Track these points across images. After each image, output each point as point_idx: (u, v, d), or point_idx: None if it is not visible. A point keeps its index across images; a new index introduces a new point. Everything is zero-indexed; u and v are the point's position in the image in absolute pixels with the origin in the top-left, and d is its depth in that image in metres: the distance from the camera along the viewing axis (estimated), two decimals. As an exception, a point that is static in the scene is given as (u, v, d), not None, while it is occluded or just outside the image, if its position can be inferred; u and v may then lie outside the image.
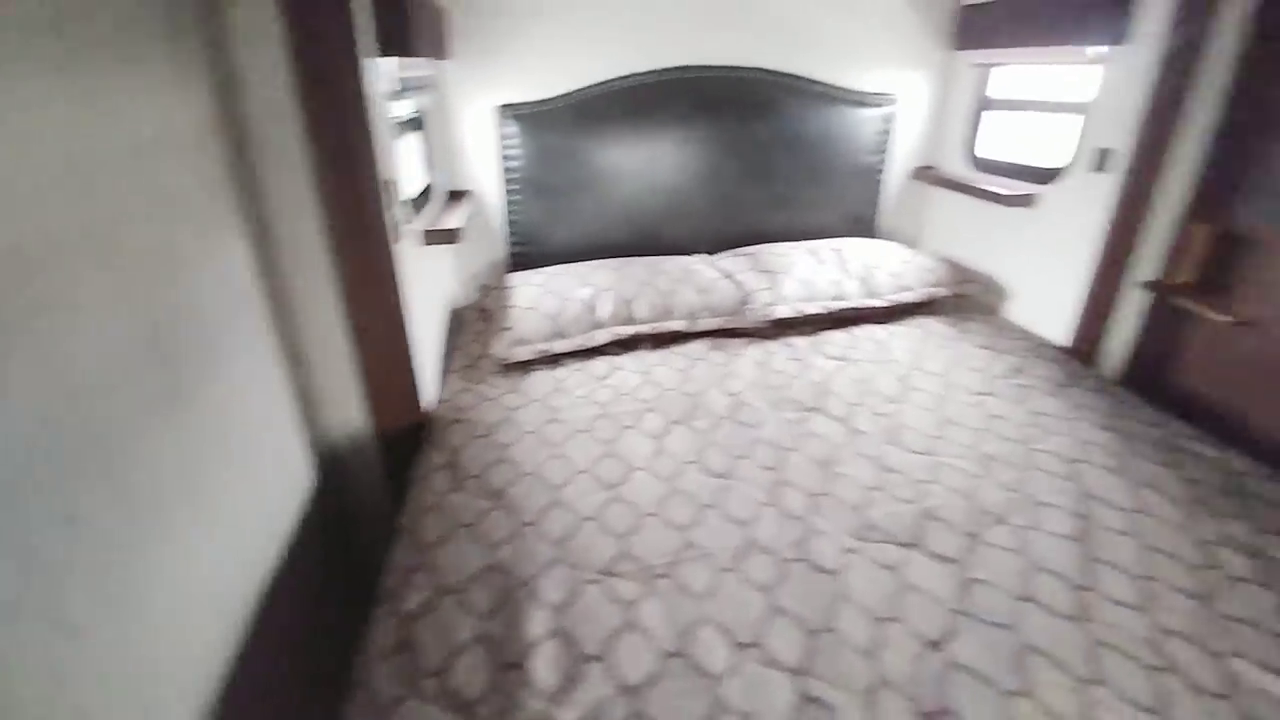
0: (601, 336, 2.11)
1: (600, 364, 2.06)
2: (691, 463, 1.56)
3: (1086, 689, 1.02)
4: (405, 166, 2.03)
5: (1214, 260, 2.00)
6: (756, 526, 1.36)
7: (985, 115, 2.52)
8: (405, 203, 1.80)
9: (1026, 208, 2.29)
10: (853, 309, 2.28)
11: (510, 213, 2.47)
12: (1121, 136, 1.93)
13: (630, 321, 2.14)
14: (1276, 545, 1.30)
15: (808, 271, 2.30)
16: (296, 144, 1.35)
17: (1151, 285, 2.11)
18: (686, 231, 2.57)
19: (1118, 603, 1.18)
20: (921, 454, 1.59)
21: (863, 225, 2.75)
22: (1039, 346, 2.13)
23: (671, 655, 1.08)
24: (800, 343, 2.17)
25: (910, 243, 2.81)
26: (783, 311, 2.20)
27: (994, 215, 2.41)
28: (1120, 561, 1.26)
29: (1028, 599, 1.18)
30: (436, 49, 2.08)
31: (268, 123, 1.33)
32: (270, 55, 1.28)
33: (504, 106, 2.32)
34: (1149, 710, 0.99)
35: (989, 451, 1.60)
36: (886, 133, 2.63)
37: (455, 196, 2.41)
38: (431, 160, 2.27)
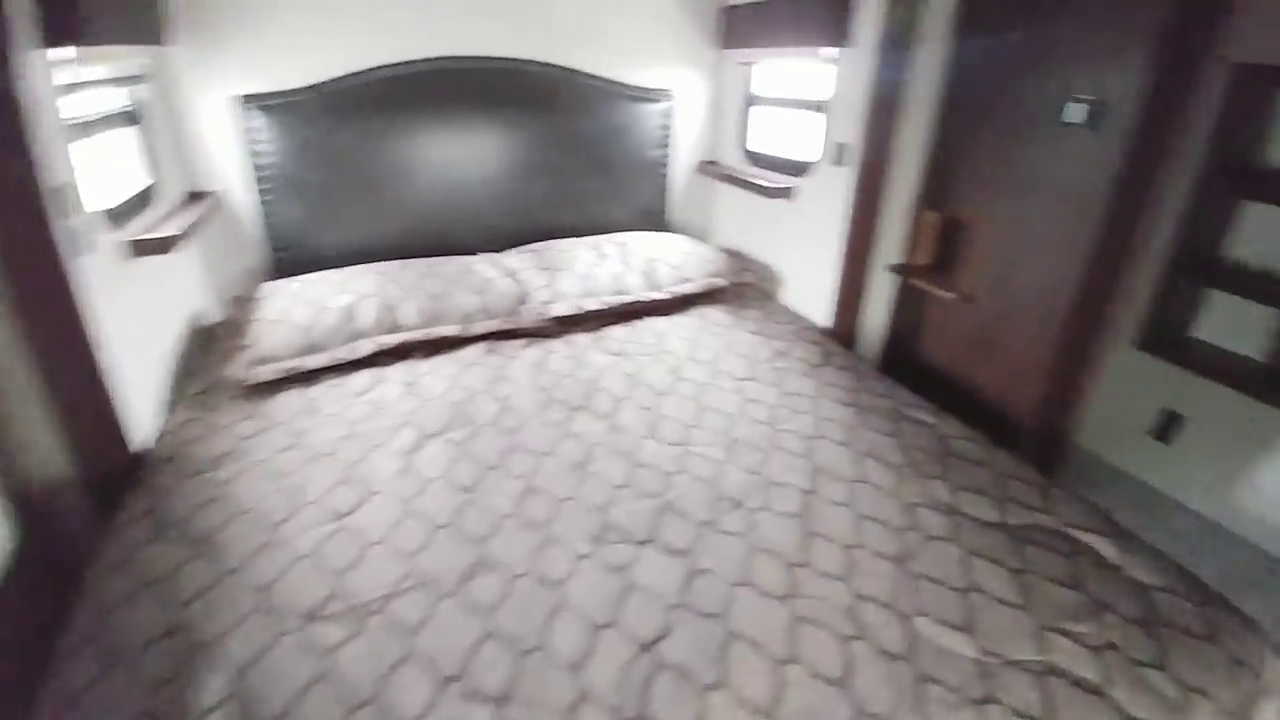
0: (365, 347, 1.95)
1: (362, 378, 1.90)
2: (437, 479, 1.47)
3: (780, 669, 1.06)
4: (105, 167, 1.75)
5: (945, 244, 2.24)
6: (491, 543, 1.29)
7: (754, 111, 2.64)
8: (96, 212, 1.53)
9: (787, 199, 2.43)
10: (635, 303, 2.29)
11: (266, 215, 2.21)
12: (852, 132, 2.09)
13: (396, 329, 1.99)
14: (968, 501, 1.45)
15: (588, 267, 2.28)
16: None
17: (896, 268, 2.32)
18: (471, 231, 2.46)
19: (825, 575, 1.24)
20: (675, 445, 1.62)
21: (653, 219, 2.79)
22: (803, 330, 2.27)
23: (363, 705, 0.98)
24: (581, 340, 2.14)
25: (700, 235, 2.89)
26: (561, 309, 2.16)
27: (764, 207, 2.53)
28: (834, 533, 1.34)
29: (744, 584, 1.22)
30: (143, 34, 1.79)
31: None
32: None
33: (246, 97, 2.06)
34: (835, 683, 1.04)
35: (738, 436, 1.66)
36: (667, 128, 2.68)
37: (197, 198, 2.11)
38: (155, 158, 1.97)
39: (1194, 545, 2.08)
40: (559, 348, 2.09)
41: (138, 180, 1.91)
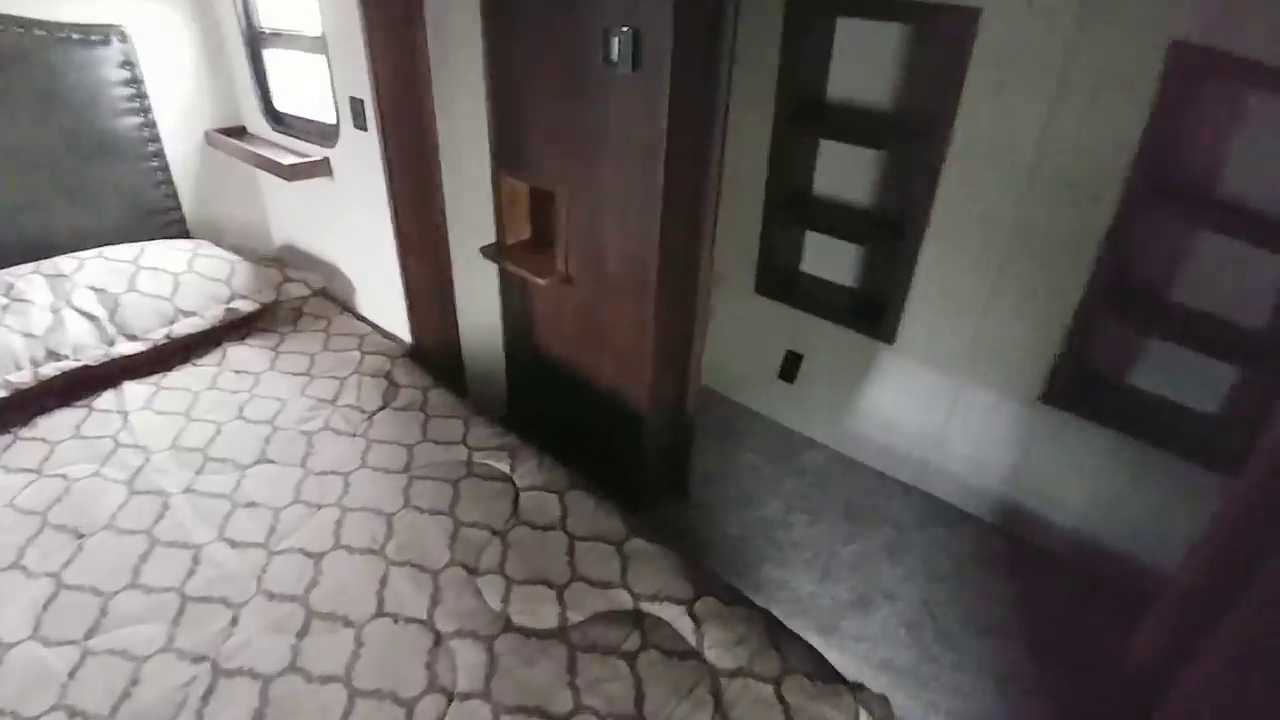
0: None
1: None
2: None
3: None
4: None
5: (539, 217, 1.81)
6: None
7: (270, 55, 1.88)
8: None
9: (328, 177, 1.78)
10: (81, 370, 1.48)
11: None
12: (363, 82, 1.50)
13: None
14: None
15: (-24, 329, 1.40)
16: None
17: (488, 251, 1.84)
18: None
19: None
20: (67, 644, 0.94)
21: (162, 220, 1.92)
22: (372, 355, 1.69)
23: None
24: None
25: (248, 235, 2.11)
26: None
27: (303, 190, 1.84)
28: None
29: None
30: None
31: None
32: None
33: None
34: None
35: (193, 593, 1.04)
36: (136, 83, 1.80)
37: None
38: None
39: (821, 478, 2.08)
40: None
41: None
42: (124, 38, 1.76)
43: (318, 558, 1.12)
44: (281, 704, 0.90)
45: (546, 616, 1.04)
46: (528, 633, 1.01)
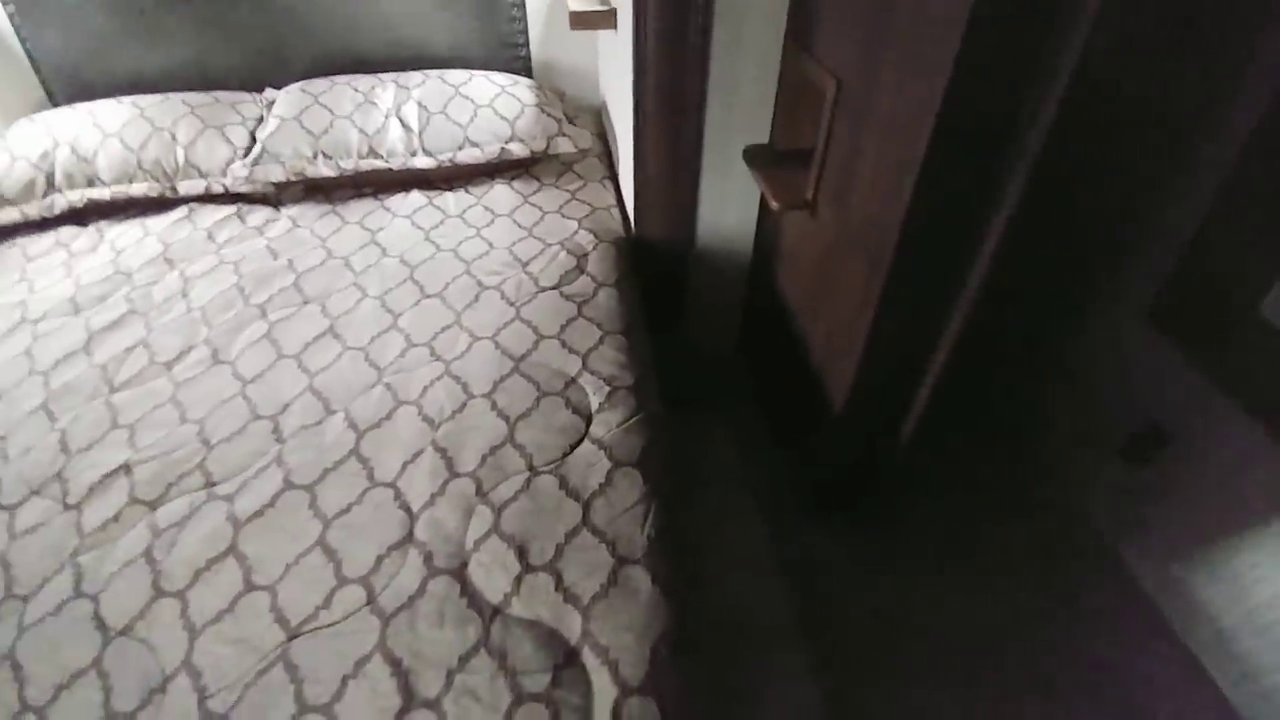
0: (60, 205, 1.71)
1: (45, 241, 1.69)
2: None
3: None
4: None
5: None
6: None
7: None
8: None
9: (612, 30, 1.63)
10: (385, 171, 1.76)
11: (25, 44, 1.94)
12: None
13: (94, 183, 1.71)
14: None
15: (332, 118, 1.76)
16: None
17: (749, 152, 1.50)
18: (257, 60, 1.99)
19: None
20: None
21: (514, 55, 2.09)
22: (593, 231, 1.61)
23: None
24: (302, 214, 1.72)
25: (579, 84, 2.15)
26: (275, 173, 1.71)
27: (612, 43, 1.74)
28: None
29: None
30: None
31: None
32: None
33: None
34: None
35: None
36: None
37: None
38: None
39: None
40: (257, 224, 1.69)
41: None
42: None
43: (398, 404, 1.17)
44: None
45: (496, 588, 0.90)
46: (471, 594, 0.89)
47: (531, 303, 1.39)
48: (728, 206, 1.62)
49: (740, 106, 1.45)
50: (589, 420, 1.13)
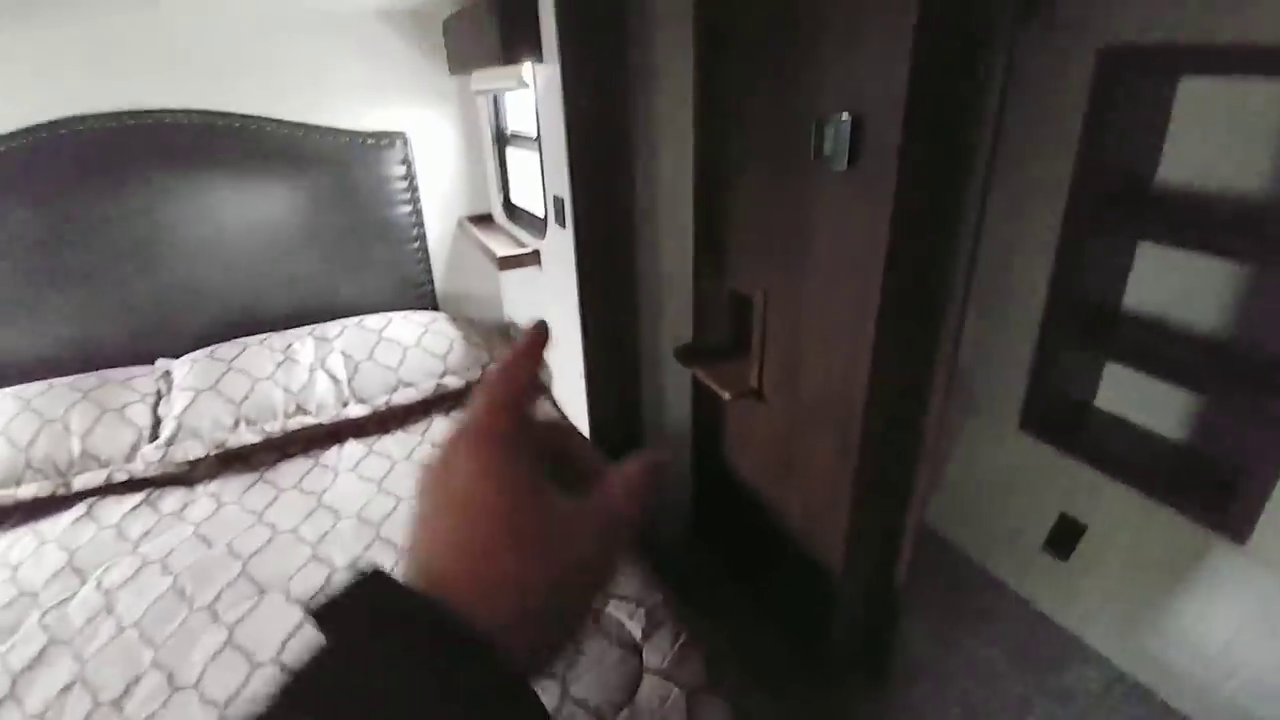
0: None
1: None
2: None
3: None
4: None
5: (740, 322, 1.63)
6: None
7: (512, 152, 2.04)
8: None
9: (536, 267, 1.82)
10: (315, 427, 1.69)
11: None
12: (564, 180, 1.49)
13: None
14: None
15: (252, 382, 1.68)
16: None
17: (680, 353, 1.70)
18: (146, 331, 1.86)
19: None
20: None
21: (417, 292, 2.19)
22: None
23: None
24: (224, 490, 1.55)
25: (484, 308, 2.30)
26: (192, 449, 1.56)
27: (525, 275, 1.93)
28: None
29: None
30: None
31: None
32: None
33: None
34: None
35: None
36: (409, 178, 2.09)
37: None
38: None
39: (1092, 707, 1.43)
40: (174, 509, 1.50)
41: None
42: (405, 141, 2.05)
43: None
44: None
45: None
46: None
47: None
48: (665, 401, 1.78)
49: (666, 317, 1.67)
50: (638, 652, 1.11)
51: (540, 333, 0.30)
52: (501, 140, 2.03)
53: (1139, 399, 1.56)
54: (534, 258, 1.78)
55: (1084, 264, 1.51)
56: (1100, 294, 1.56)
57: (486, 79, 1.76)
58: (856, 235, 1.13)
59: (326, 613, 0.22)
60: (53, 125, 1.65)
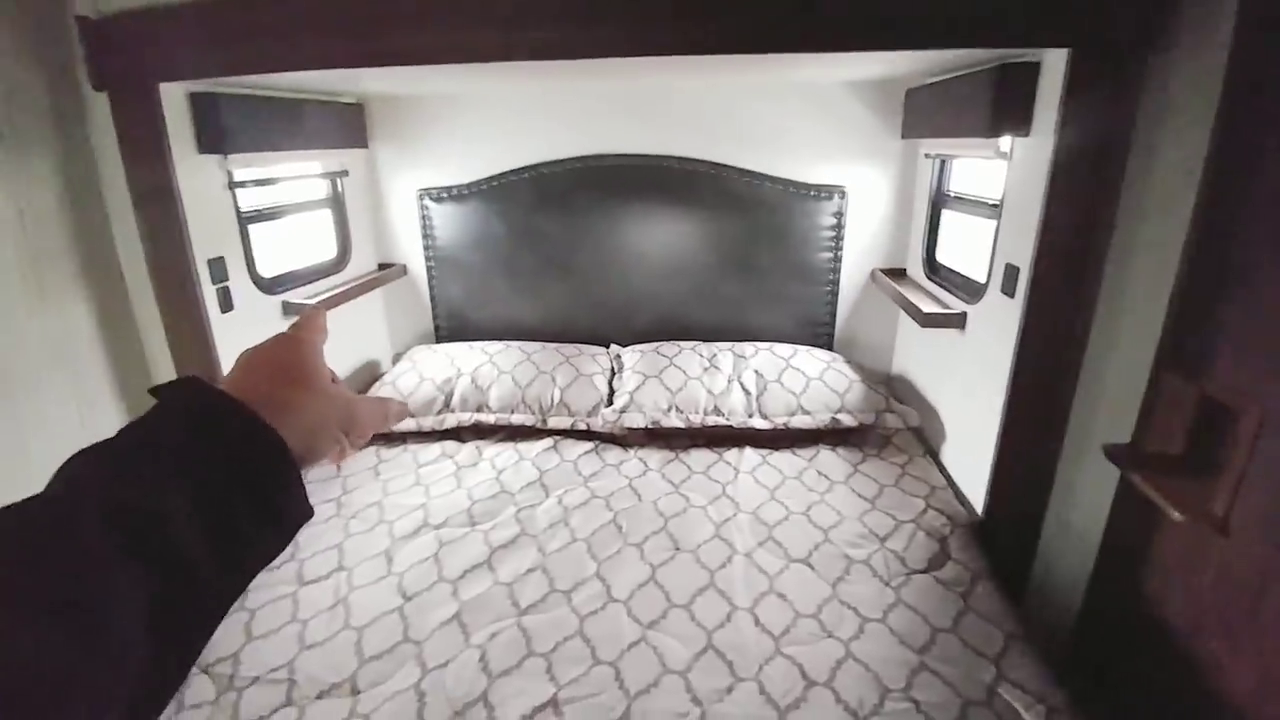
0: (449, 422, 2.06)
1: (432, 450, 2.01)
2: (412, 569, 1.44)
3: None
4: (295, 241, 2.20)
5: (1201, 431, 1.39)
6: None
7: (947, 214, 2.06)
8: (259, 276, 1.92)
9: (959, 329, 1.81)
10: (726, 429, 1.96)
11: (433, 288, 2.54)
12: (1024, 251, 1.46)
13: (483, 409, 2.06)
14: None
15: (685, 379, 2.04)
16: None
17: (1114, 452, 1.52)
18: (604, 320, 2.43)
19: None
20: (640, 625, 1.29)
21: (815, 331, 2.37)
22: (935, 514, 1.64)
23: None
24: (650, 459, 1.92)
25: (874, 357, 2.37)
26: (635, 420, 1.96)
27: (937, 336, 1.94)
28: None
29: None
30: (351, 140, 2.25)
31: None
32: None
33: (424, 190, 2.42)
34: None
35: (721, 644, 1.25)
36: (838, 229, 2.27)
37: (386, 268, 2.54)
38: (346, 234, 2.36)
39: None
40: (614, 461, 1.90)
41: (332, 250, 2.35)
42: (843, 195, 2.24)
43: (809, 684, 1.16)
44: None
45: None
46: None
47: (907, 585, 1.39)
48: (1074, 499, 1.60)
49: (1098, 405, 1.50)
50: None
51: (320, 312, 0.52)
52: (938, 202, 2.07)
53: None
54: (958, 320, 1.79)
55: None
56: None
57: (949, 145, 1.83)
58: None
59: (162, 389, 0.39)
60: (583, 159, 2.27)
